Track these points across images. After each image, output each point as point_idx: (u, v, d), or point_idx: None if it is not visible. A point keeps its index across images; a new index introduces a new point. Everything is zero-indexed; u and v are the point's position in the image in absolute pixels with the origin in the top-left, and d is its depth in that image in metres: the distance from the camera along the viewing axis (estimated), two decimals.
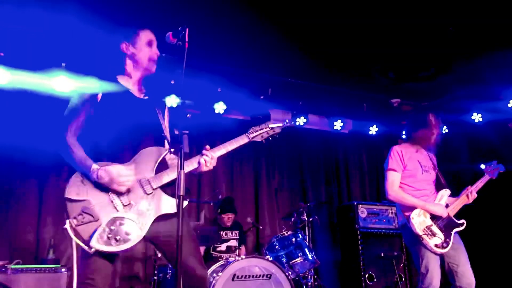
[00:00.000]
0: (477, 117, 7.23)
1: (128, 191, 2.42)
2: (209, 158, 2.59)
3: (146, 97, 2.76)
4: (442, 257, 3.62)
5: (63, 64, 5.30)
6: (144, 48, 2.69)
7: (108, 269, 2.40)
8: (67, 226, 2.28)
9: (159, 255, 5.12)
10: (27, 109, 5.52)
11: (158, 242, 2.57)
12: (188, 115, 2.29)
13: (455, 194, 3.91)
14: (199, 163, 2.59)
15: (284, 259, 5.06)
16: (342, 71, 6.10)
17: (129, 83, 2.73)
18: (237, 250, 5.56)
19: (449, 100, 7.05)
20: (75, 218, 2.30)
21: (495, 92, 6.64)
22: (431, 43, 5.39)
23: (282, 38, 5.27)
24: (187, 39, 2.35)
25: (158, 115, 2.72)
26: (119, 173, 2.36)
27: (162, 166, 2.58)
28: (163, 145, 2.67)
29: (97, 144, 2.54)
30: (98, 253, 2.30)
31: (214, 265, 4.61)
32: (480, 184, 3.96)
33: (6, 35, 4.81)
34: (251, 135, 2.85)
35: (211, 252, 5.63)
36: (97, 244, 2.26)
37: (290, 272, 4.87)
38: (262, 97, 6.56)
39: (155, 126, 2.68)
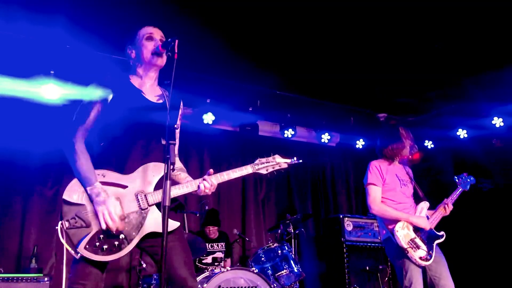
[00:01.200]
0: (462, 133, 7.34)
1: (121, 203, 2.38)
2: (209, 185, 2.57)
3: (160, 101, 2.65)
4: (424, 270, 3.65)
5: (52, 72, 5.28)
6: (145, 44, 2.60)
7: (98, 276, 2.38)
8: (58, 227, 2.27)
9: (144, 265, 5.09)
10: (14, 116, 5.48)
11: (148, 251, 2.56)
12: (176, 126, 2.26)
13: (433, 206, 3.95)
14: (198, 187, 2.56)
15: (269, 271, 5.05)
16: (329, 85, 6.17)
17: (142, 85, 2.65)
18: (222, 261, 5.54)
19: (435, 115, 7.16)
20: (67, 220, 2.30)
21: (480, 109, 6.76)
22: (419, 61, 5.49)
23: (270, 51, 5.34)
24: (176, 50, 2.35)
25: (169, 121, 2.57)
26: (115, 211, 2.32)
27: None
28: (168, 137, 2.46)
29: (103, 148, 2.51)
30: (89, 260, 2.29)
31: (199, 277, 4.58)
32: (454, 196, 4.00)
33: None
34: (256, 167, 2.84)
35: (197, 264, 5.61)
36: (84, 250, 2.26)
37: (275, 285, 4.86)
38: (250, 109, 6.60)
39: (163, 133, 2.42)
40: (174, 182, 2.58)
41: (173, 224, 2.48)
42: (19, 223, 5.49)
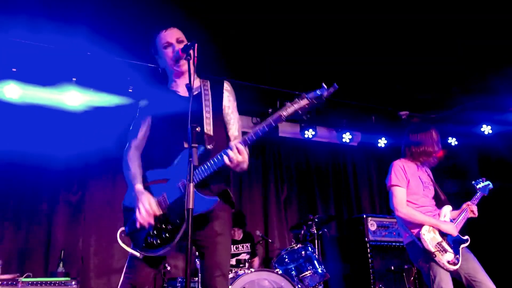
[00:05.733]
0: (486, 129, 7.18)
1: (165, 197, 2.50)
2: (233, 154, 2.35)
3: (195, 92, 2.62)
4: (453, 274, 3.55)
5: (74, 79, 5.37)
6: (165, 53, 2.67)
7: (145, 271, 2.53)
8: (118, 234, 2.53)
9: (168, 268, 5.12)
10: (39, 124, 5.58)
11: (198, 245, 2.56)
12: (197, 129, 2.26)
13: (456, 207, 3.87)
14: (222, 160, 2.37)
15: (293, 272, 5.03)
16: (348, 83, 6.12)
17: (177, 86, 2.73)
18: (246, 263, 5.53)
19: (458, 111, 7.02)
20: (127, 226, 2.55)
21: (505, 104, 6.61)
22: (440, 56, 5.40)
23: (289, 51, 5.32)
24: (196, 54, 2.37)
25: (204, 109, 2.60)
26: (143, 207, 2.45)
27: (201, 163, 2.42)
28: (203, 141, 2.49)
29: (148, 150, 2.69)
30: (144, 257, 2.48)
31: None
32: (475, 200, 3.92)
33: (19, 52, 4.90)
34: (285, 111, 2.37)
35: None
36: (143, 249, 2.47)
37: (299, 286, 4.83)
38: (270, 110, 6.59)
39: (198, 121, 2.47)
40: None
41: (206, 204, 2.40)
42: (46, 228, 5.59)
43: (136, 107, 2.77)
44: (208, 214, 2.47)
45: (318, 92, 2.34)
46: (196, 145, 2.18)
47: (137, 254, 2.48)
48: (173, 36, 2.67)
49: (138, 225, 2.45)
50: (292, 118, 2.39)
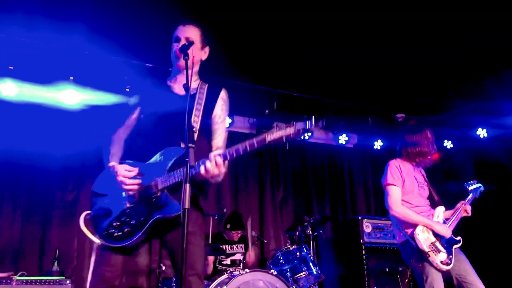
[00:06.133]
0: (482, 132, 7.22)
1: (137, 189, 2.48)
2: (211, 165, 2.34)
3: (191, 93, 2.61)
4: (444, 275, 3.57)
5: (71, 78, 5.36)
6: (173, 45, 2.68)
7: (118, 262, 2.46)
8: (82, 217, 2.47)
9: (164, 267, 5.12)
10: (35, 122, 5.57)
11: (167, 247, 2.59)
12: (194, 129, 2.26)
13: (449, 209, 3.90)
14: (198, 170, 2.37)
15: (288, 273, 5.03)
16: (345, 86, 6.14)
17: (175, 81, 2.74)
18: (241, 263, 5.53)
19: (454, 115, 7.05)
20: (95, 210, 2.52)
21: (501, 108, 6.64)
22: (437, 59, 5.42)
23: (287, 52, 5.34)
24: (193, 55, 2.38)
25: (194, 112, 2.61)
26: (126, 170, 2.46)
27: (178, 166, 2.44)
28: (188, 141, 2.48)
29: (129, 142, 2.66)
30: (109, 247, 2.43)
31: (219, 279, 4.59)
32: (468, 202, 3.95)
33: (16, 49, 4.89)
34: (270, 137, 2.38)
35: (217, 265, 5.62)
36: (102, 237, 2.43)
37: (294, 287, 4.84)
38: (267, 112, 6.60)
39: (182, 123, 2.44)
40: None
41: (176, 209, 2.38)
42: (41, 227, 5.57)
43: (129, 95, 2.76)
44: (178, 218, 2.40)
45: (306, 124, 2.38)
46: (193, 145, 2.16)
47: (97, 240, 2.47)
48: (185, 33, 2.67)
49: (123, 188, 2.44)
50: (275, 144, 2.41)
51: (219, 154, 2.36)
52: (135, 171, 2.47)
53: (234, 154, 2.36)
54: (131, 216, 2.44)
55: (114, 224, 2.44)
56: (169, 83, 2.75)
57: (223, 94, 2.78)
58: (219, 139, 2.72)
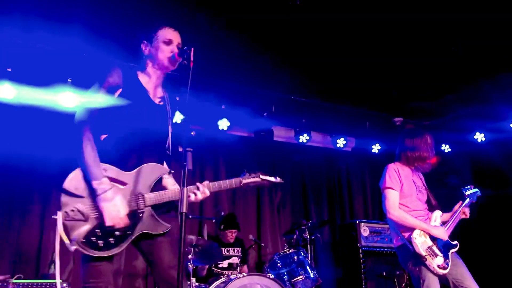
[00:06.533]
0: (479, 137, 7.23)
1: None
2: (200, 194, 2.60)
3: (161, 103, 2.71)
4: (441, 279, 3.57)
5: (69, 80, 5.36)
6: (162, 47, 2.63)
7: (108, 270, 2.41)
8: (57, 217, 2.32)
9: None
10: (32, 124, 5.56)
11: (143, 249, 2.56)
12: (192, 133, 2.27)
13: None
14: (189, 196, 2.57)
15: (286, 277, 5.03)
16: (344, 89, 6.15)
17: (148, 83, 2.69)
18: (238, 267, 5.53)
19: (452, 119, 7.07)
20: (66, 212, 2.35)
21: (498, 112, 6.67)
22: (435, 64, 5.44)
23: (285, 56, 5.34)
24: (192, 59, 2.38)
25: (169, 126, 2.70)
26: (121, 212, 2.35)
27: (159, 185, 2.58)
28: (164, 159, 2.67)
29: (105, 142, 2.50)
30: (95, 257, 2.35)
31: (216, 282, 4.59)
32: (464, 207, 3.96)
33: (14, 52, 4.89)
34: (244, 181, 2.86)
35: (213, 268, 5.61)
36: (80, 244, 2.30)
37: None
38: (265, 114, 6.60)
39: (162, 137, 2.67)
40: (161, 187, 2.60)
41: (163, 227, 2.50)
42: (38, 229, 5.55)
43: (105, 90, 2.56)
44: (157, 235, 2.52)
45: (272, 178, 3.12)
46: (191, 149, 2.18)
47: (71, 247, 2.29)
48: (176, 38, 2.67)
49: (106, 224, 2.30)
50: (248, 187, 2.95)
51: (206, 186, 2.63)
52: (126, 219, 2.38)
53: (217, 188, 2.70)
54: (116, 228, 2.36)
55: (97, 232, 2.33)
56: (143, 84, 2.66)
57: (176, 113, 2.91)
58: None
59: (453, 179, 6.83)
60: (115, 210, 2.32)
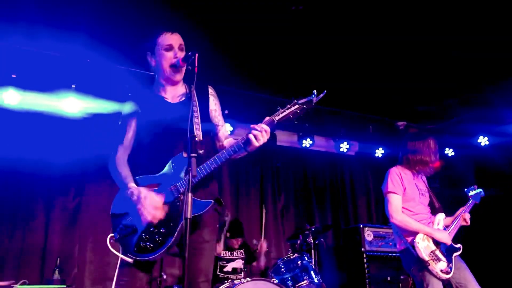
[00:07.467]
0: (483, 140, 7.22)
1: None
2: (258, 131, 2.43)
3: (182, 99, 2.71)
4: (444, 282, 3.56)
5: (73, 86, 5.38)
6: (164, 55, 2.63)
7: (138, 276, 2.48)
8: (108, 241, 2.48)
9: (164, 276, 5.09)
10: (37, 129, 5.58)
11: (182, 253, 2.58)
12: (197, 138, 2.28)
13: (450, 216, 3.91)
14: (247, 140, 2.45)
15: (290, 282, 5.01)
16: (347, 94, 6.15)
17: (164, 91, 2.72)
18: (242, 271, 5.52)
19: (455, 123, 7.06)
20: (117, 232, 2.50)
21: (502, 116, 6.66)
22: (438, 68, 5.44)
23: (288, 60, 5.35)
24: (196, 64, 2.38)
25: (193, 116, 2.61)
26: (150, 203, 2.41)
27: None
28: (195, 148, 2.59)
29: (134, 155, 2.64)
30: (136, 263, 2.43)
31: (220, 287, 4.58)
32: (468, 208, 3.95)
33: (18, 58, 4.91)
34: (277, 117, 2.54)
35: (218, 273, 5.60)
36: (134, 253, 2.42)
37: None
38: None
39: (184, 130, 2.56)
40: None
41: (201, 205, 2.45)
42: (42, 235, 5.56)
43: (120, 110, 2.73)
44: (199, 220, 2.50)
45: (308, 98, 2.62)
46: (195, 154, 2.18)
47: (129, 260, 2.44)
48: (177, 41, 2.66)
49: (143, 222, 2.39)
50: (284, 122, 2.55)
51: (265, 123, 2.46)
52: (160, 207, 2.44)
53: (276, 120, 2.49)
54: (159, 225, 2.43)
55: (144, 237, 2.43)
56: (159, 93, 2.72)
57: (211, 91, 2.82)
58: (223, 129, 2.85)
59: (435, 183, 6.86)
60: (148, 204, 2.38)
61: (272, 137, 7.06)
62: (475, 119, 6.83)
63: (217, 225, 2.72)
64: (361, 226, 6.68)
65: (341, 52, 5.18)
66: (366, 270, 6.39)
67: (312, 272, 5.05)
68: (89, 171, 5.80)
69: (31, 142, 5.50)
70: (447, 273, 3.50)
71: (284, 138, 7.42)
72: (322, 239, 5.83)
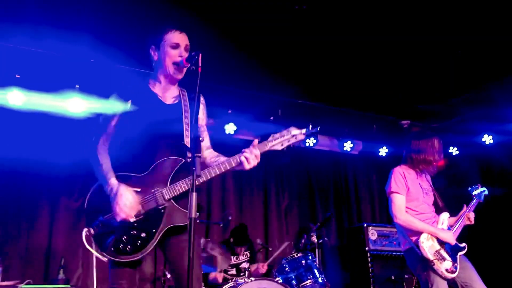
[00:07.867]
0: (487, 139, 7.19)
1: (141, 202, 2.47)
2: (249, 154, 2.54)
3: (176, 101, 2.71)
4: (449, 282, 3.55)
5: (77, 86, 5.39)
6: (169, 52, 2.62)
7: (133, 275, 2.50)
8: (83, 234, 2.41)
9: (168, 276, 5.11)
10: (41, 129, 5.60)
11: (168, 256, 2.61)
12: (200, 138, 2.28)
13: (454, 215, 3.89)
14: (240, 162, 2.54)
15: (294, 281, 5.01)
16: (350, 92, 6.14)
17: (159, 87, 2.71)
18: (246, 271, 5.51)
19: (459, 121, 7.04)
20: (92, 227, 2.44)
21: (506, 114, 6.63)
22: (442, 66, 5.42)
23: (292, 60, 5.35)
24: (200, 64, 2.38)
25: (184, 120, 2.66)
26: (128, 201, 2.41)
27: (178, 176, 2.53)
28: (182, 153, 2.61)
29: (119, 152, 2.60)
30: (120, 262, 2.41)
31: (224, 287, 4.59)
32: (472, 207, 3.94)
33: (22, 58, 4.93)
34: (270, 144, 2.66)
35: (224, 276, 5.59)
36: (110, 253, 2.39)
37: None
38: (272, 118, 6.60)
39: (177, 132, 2.63)
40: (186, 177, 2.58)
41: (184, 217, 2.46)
42: (46, 234, 5.58)
43: (111, 104, 2.70)
44: (182, 227, 2.50)
45: (302, 131, 2.61)
46: (200, 154, 2.17)
47: (104, 258, 2.42)
48: (184, 41, 2.66)
49: (118, 220, 2.38)
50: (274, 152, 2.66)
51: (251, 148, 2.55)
52: (135, 207, 2.44)
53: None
54: (140, 229, 2.43)
55: (124, 238, 2.41)
56: (154, 89, 2.70)
57: (202, 100, 2.82)
58: (206, 140, 2.85)
59: (441, 182, 6.87)
60: (122, 202, 2.38)
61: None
62: (480, 118, 6.80)
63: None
64: (365, 225, 6.68)
65: (345, 51, 5.17)
66: (370, 269, 6.39)
67: (316, 271, 5.05)
68: (93, 171, 5.81)
69: (35, 143, 5.51)
70: (452, 272, 3.49)
71: None
72: (326, 238, 5.86)
